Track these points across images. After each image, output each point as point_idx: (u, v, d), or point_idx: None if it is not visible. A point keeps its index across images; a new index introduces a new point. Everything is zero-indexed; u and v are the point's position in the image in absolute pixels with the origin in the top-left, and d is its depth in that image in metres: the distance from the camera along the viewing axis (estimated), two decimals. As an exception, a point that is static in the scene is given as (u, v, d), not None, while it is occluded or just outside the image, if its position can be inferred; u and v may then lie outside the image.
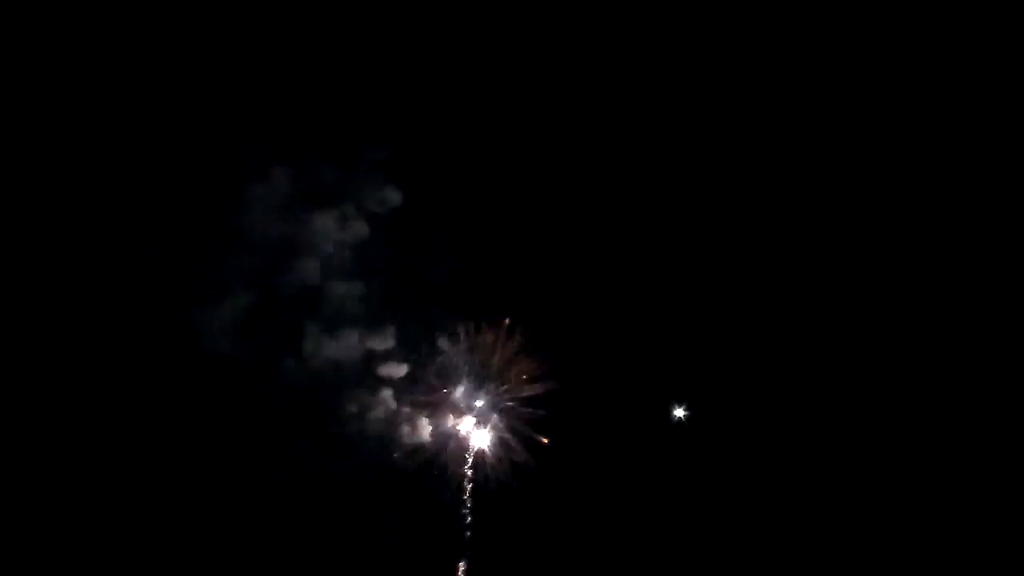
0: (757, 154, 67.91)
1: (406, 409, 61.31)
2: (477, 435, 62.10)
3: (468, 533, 61.63)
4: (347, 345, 60.71)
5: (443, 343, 62.13)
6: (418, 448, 61.42)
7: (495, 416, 62.33)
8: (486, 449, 61.91)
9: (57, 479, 57.22)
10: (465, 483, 61.36)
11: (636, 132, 66.27)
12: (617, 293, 65.85)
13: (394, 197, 62.72)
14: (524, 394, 62.76)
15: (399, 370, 61.46)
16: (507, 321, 62.60)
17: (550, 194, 65.02)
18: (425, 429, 61.33)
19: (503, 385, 62.64)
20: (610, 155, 66.21)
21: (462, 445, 61.82)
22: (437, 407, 61.77)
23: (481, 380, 62.39)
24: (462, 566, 61.48)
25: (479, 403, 62.18)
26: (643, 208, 66.33)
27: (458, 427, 61.82)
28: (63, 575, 57.46)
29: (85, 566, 57.69)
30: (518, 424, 62.60)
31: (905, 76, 67.79)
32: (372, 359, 61.27)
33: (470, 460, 61.88)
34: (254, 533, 59.87)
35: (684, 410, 66.42)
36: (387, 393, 61.19)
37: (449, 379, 62.18)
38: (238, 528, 59.60)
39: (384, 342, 61.37)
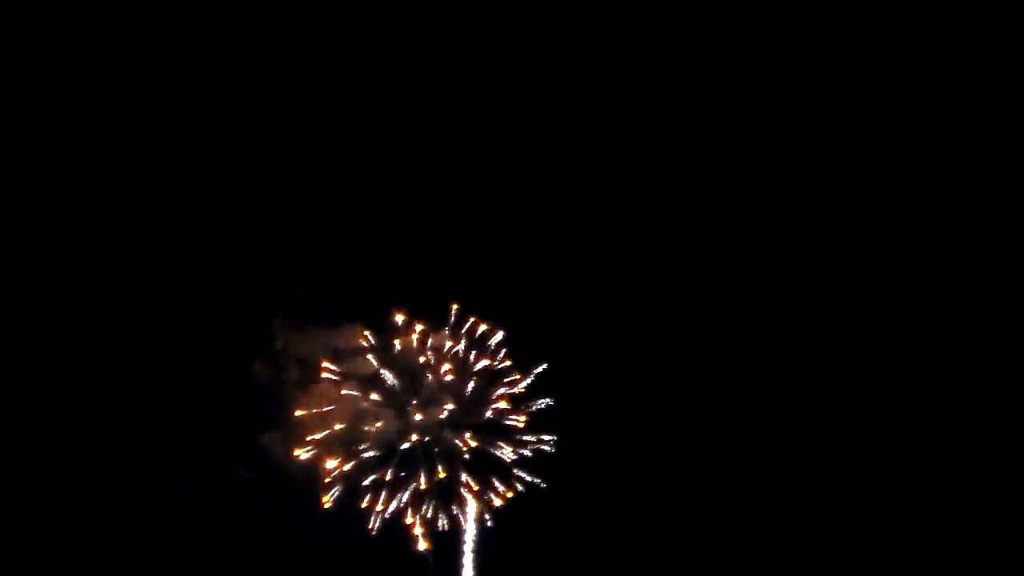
0: (732, 153, 67.23)
1: (373, 405, 61.84)
2: (443, 432, 62.21)
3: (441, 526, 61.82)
4: (314, 344, 61.69)
5: (410, 341, 62.51)
6: (384, 443, 61.77)
7: (461, 414, 62.36)
8: (451, 444, 62.00)
9: (31, 478, 58.75)
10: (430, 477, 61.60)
11: (605, 133, 66.28)
12: (591, 293, 65.34)
13: (365, 199, 63.73)
14: (496, 392, 62.67)
15: (367, 367, 62.10)
16: (475, 320, 62.67)
17: (521, 197, 65.19)
18: (391, 424, 61.75)
19: (473, 384, 62.66)
20: (581, 156, 66.11)
21: (427, 443, 62.06)
22: (403, 404, 62.09)
23: (450, 378, 62.52)
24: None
25: (448, 401, 62.28)
26: (612, 208, 66.02)
27: (424, 425, 62.05)
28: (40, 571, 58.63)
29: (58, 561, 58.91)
30: (487, 423, 62.58)
31: (905, 76, 66.56)
32: (339, 356, 62.01)
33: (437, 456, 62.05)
34: (225, 526, 60.86)
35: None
36: (354, 389, 61.80)
37: (417, 377, 62.52)
38: (208, 521, 60.63)
39: (351, 340, 62.12)
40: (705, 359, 65.37)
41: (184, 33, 61.30)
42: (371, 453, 61.68)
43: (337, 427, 61.76)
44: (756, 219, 66.69)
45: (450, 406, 62.17)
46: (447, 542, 62.68)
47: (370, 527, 61.08)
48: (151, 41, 60.61)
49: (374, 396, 61.85)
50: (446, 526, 61.70)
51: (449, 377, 62.48)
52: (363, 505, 61.26)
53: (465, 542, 62.43)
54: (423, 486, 61.61)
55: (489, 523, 62.31)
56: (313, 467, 61.35)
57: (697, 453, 64.46)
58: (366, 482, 61.48)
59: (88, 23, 59.71)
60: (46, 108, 59.79)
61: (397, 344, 62.44)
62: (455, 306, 62.43)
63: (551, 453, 62.69)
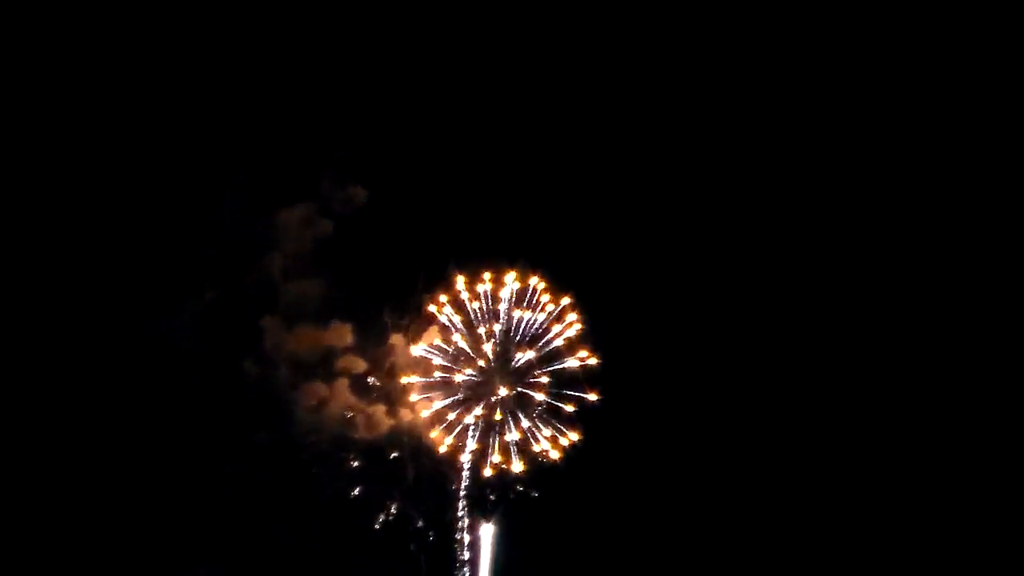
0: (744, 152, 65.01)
1: (363, 403, 60.78)
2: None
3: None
4: (306, 341, 61.00)
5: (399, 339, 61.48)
6: (373, 441, 60.60)
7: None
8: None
9: (20, 479, 58.79)
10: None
11: (598, 129, 64.85)
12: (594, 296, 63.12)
13: (358, 196, 63.05)
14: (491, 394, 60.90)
15: (356, 365, 61.13)
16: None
17: (513, 197, 63.82)
18: (382, 423, 60.53)
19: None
20: (578, 153, 64.65)
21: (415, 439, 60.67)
22: (393, 402, 60.89)
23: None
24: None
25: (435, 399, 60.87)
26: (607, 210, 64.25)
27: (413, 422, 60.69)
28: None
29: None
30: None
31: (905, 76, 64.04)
32: (331, 355, 61.20)
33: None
34: (218, 525, 60.22)
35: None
36: (344, 387, 60.87)
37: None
38: (201, 520, 60.06)
39: (342, 338, 61.28)
40: (701, 369, 62.50)
41: (176, 29, 61.84)
42: (356, 463, 60.59)
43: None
44: (759, 221, 64.23)
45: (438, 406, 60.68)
46: (441, 542, 60.77)
47: (372, 524, 59.66)
48: (141, 37, 61.26)
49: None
50: (432, 535, 59.92)
51: (439, 374, 60.98)
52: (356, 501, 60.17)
53: (457, 542, 60.30)
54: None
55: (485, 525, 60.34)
56: (308, 467, 60.47)
57: (696, 466, 61.90)
58: (355, 491, 60.38)
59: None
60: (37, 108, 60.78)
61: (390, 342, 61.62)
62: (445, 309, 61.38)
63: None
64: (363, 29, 64.22)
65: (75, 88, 60.85)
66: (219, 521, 60.47)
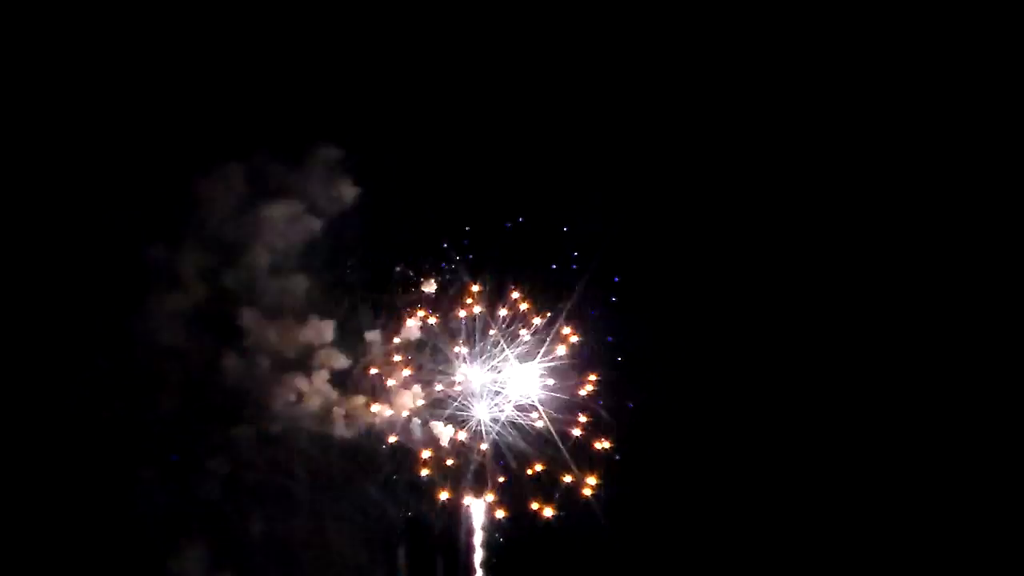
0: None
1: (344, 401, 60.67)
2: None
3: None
4: (288, 337, 60.98)
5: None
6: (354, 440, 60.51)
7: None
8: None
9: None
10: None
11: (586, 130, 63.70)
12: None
13: (347, 193, 62.88)
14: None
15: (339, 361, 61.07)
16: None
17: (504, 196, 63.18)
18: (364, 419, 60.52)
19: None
20: (571, 153, 63.65)
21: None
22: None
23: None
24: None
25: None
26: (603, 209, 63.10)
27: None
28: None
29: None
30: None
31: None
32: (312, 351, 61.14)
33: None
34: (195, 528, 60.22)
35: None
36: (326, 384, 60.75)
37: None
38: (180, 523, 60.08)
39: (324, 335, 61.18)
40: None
41: (160, 19, 61.82)
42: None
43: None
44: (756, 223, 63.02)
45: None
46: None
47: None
48: (122, 27, 61.24)
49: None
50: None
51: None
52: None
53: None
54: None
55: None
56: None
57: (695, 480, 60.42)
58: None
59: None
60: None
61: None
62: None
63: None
64: (354, 24, 63.90)
65: (51, 78, 60.81)
66: (199, 515, 60.40)
